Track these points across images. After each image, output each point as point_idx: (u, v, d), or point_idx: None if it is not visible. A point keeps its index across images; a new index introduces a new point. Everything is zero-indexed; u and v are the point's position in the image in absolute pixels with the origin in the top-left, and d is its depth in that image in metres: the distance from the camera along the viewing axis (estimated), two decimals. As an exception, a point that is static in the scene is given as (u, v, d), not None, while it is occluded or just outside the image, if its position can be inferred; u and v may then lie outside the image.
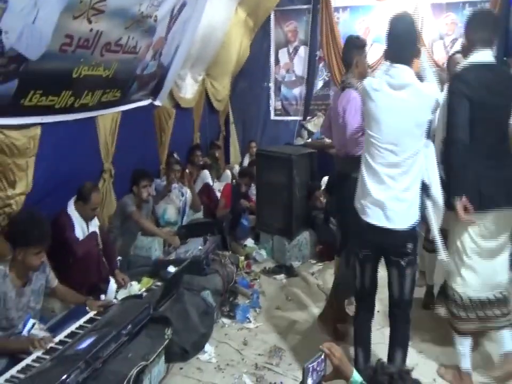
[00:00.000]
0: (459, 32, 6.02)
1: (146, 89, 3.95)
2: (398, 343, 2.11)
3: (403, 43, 1.94)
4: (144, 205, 3.36)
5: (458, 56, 3.04)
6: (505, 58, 5.81)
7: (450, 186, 2.10)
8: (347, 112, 2.54)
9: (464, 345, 2.27)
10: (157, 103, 4.16)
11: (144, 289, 2.77)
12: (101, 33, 2.71)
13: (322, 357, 1.50)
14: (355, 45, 2.68)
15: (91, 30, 2.58)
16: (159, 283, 2.84)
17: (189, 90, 4.86)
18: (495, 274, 2.24)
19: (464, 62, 2.24)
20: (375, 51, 6.23)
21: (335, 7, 6.27)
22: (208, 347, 2.67)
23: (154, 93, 4.14)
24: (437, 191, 2.04)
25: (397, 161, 1.94)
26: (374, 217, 1.99)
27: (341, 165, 2.75)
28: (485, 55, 2.16)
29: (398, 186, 1.95)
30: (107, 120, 3.34)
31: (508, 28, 5.75)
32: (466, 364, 2.29)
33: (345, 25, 6.32)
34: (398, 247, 2.01)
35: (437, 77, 3.50)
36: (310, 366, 1.46)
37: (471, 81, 2.12)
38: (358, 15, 6.28)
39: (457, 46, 5.99)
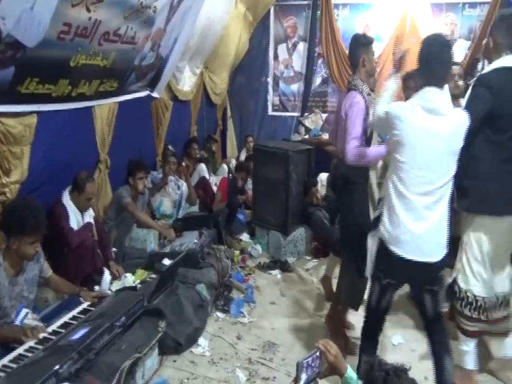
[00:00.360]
0: (458, 32, 6.04)
1: (144, 80, 3.92)
2: (444, 352, 2.03)
3: (436, 66, 1.85)
4: (140, 197, 3.34)
5: (454, 67, 2.82)
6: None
7: (469, 190, 2.09)
8: (348, 118, 2.41)
9: (469, 345, 2.25)
10: (155, 94, 4.13)
11: (138, 281, 2.76)
12: (99, 22, 2.68)
13: (318, 353, 1.50)
14: (361, 42, 2.55)
15: (90, 18, 2.54)
16: (153, 275, 2.83)
17: (186, 83, 4.82)
18: (502, 280, 2.24)
19: (490, 66, 2.19)
20: (375, 49, 6.22)
21: (335, 4, 6.25)
22: (202, 340, 2.67)
23: (152, 85, 4.11)
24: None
25: (431, 189, 1.84)
26: (408, 250, 1.87)
27: (344, 169, 2.62)
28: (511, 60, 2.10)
29: (434, 216, 1.86)
30: (104, 110, 3.30)
31: (506, 29, 5.78)
32: (472, 364, 2.26)
33: (345, 23, 6.31)
34: (433, 277, 1.95)
35: None
36: (304, 362, 1.46)
37: (495, 84, 2.07)
38: (358, 13, 6.27)
39: (457, 48, 6.05)
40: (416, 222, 1.86)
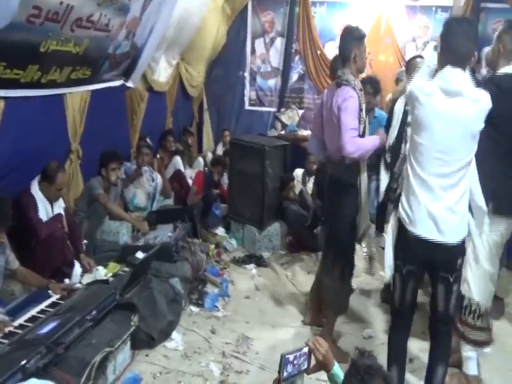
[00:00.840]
0: (431, 35, 6.21)
1: (118, 69, 3.82)
2: (440, 357, 2.00)
3: (458, 46, 1.79)
4: (112, 188, 3.26)
5: (419, 60, 3.01)
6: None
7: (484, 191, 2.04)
8: (342, 111, 2.31)
9: (471, 349, 2.22)
10: (129, 84, 4.03)
11: (110, 274, 2.70)
12: (71, 8, 2.59)
13: (306, 350, 1.50)
14: (354, 36, 2.40)
15: (61, 3, 2.46)
16: (126, 269, 2.78)
17: (162, 74, 4.73)
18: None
19: (500, 71, 2.16)
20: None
21: (312, 1, 6.29)
22: (175, 334, 2.63)
23: (127, 74, 4.01)
24: (480, 198, 2.00)
25: (448, 171, 1.81)
26: (425, 230, 1.84)
27: (334, 170, 2.51)
28: None
29: (450, 197, 1.83)
30: (76, 98, 3.20)
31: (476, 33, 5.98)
32: (473, 369, 2.24)
33: (322, 20, 6.36)
34: (449, 262, 1.89)
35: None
36: (287, 356, 1.45)
37: (504, 84, 2.06)
38: (335, 11, 6.33)
39: (429, 48, 6.21)
40: (432, 201, 1.83)
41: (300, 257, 3.91)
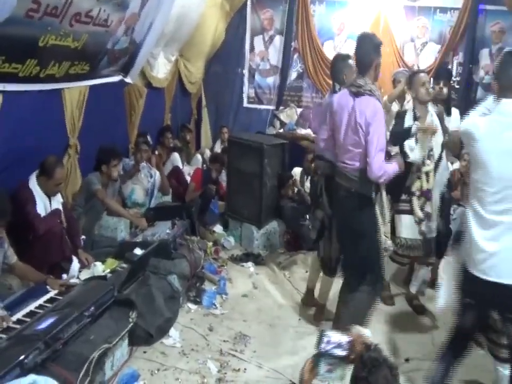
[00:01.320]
0: (429, 36, 6.22)
1: (116, 65, 3.80)
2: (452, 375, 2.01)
3: None
4: (111, 184, 3.25)
5: (423, 75, 2.92)
6: (471, 66, 6.11)
7: None
8: (373, 128, 2.18)
9: (505, 368, 2.05)
10: (128, 80, 4.01)
11: (108, 270, 2.68)
12: (70, 2, 2.59)
13: (348, 339, 1.55)
14: (374, 44, 2.30)
15: (60, -3, 2.43)
16: (124, 265, 2.76)
17: (161, 70, 4.71)
18: None
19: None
20: (348, 47, 6.31)
21: (311, 0, 6.27)
22: (173, 332, 2.63)
23: (125, 70, 3.99)
24: None
25: (508, 207, 1.74)
26: (481, 270, 1.79)
27: (349, 182, 2.37)
28: None
29: (510, 236, 1.75)
30: (74, 93, 3.18)
31: (474, 36, 6.01)
32: None
33: (321, 19, 6.36)
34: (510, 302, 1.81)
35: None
36: (327, 334, 1.56)
37: None
38: (334, 10, 6.33)
39: (427, 51, 6.25)
40: (490, 241, 1.77)
41: (297, 256, 3.90)
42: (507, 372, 2.04)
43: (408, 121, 2.83)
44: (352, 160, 2.35)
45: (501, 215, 1.76)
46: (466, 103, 5.71)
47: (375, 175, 2.23)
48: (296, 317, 3.00)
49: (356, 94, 2.29)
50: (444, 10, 6.15)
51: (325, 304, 2.95)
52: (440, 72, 3.84)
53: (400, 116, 2.95)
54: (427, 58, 6.18)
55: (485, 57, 6.08)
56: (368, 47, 2.30)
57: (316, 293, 3.06)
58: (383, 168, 2.24)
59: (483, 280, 1.78)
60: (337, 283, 2.80)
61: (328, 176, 2.64)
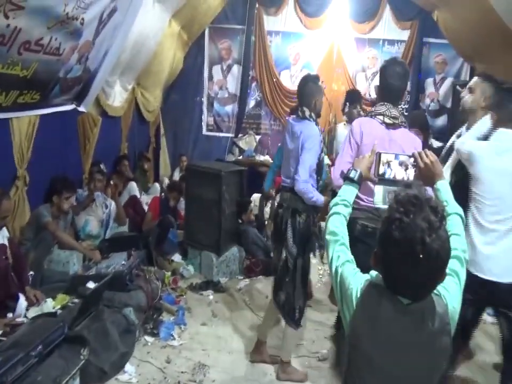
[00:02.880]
0: (379, 66, 6.59)
1: (69, 93, 3.74)
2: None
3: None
4: (62, 216, 3.13)
5: None
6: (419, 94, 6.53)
7: None
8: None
9: None
10: (81, 109, 3.95)
11: (59, 306, 2.56)
12: (19, 30, 2.54)
13: (407, 158, 1.46)
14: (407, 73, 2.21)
15: (8, 25, 2.40)
16: (76, 300, 2.64)
17: (117, 98, 4.69)
18: None
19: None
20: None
21: (268, 31, 6.55)
22: (128, 367, 2.53)
23: (79, 98, 3.93)
24: None
25: (502, 218, 2.02)
26: (479, 270, 2.00)
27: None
28: None
29: (504, 242, 2.01)
30: (23, 123, 3.09)
31: (420, 66, 6.47)
32: None
33: (278, 49, 6.63)
34: (504, 300, 2.04)
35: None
36: (382, 154, 1.48)
37: None
38: (290, 41, 6.62)
39: (378, 80, 6.59)
40: (488, 245, 2.02)
41: (257, 281, 3.90)
42: None
43: None
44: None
45: (496, 224, 2.02)
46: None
47: None
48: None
49: (394, 126, 2.16)
50: (391, 42, 6.60)
51: (289, 362, 2.59)
52: (352, 95, 4.13)
53: None
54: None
55: (430, 86, 6.55)
56: (402, 76, 2.19)
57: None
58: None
59: (482, 279, 2.00)
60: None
61: (294, 210, 2.51)
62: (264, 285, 3.82)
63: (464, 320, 2.04)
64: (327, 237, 1.30)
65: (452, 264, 1.15)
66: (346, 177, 1.46)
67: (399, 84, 2.14)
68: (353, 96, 3.99)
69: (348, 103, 3.76)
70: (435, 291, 1.09)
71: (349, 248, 1.27)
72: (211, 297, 3.58)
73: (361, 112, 3.54)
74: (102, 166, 3.93)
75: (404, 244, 0.99)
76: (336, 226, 1.31)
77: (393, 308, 1.06)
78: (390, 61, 2.23)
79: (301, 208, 2.49)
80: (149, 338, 2.86)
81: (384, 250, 1.05)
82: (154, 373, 2.55)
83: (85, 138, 4.05)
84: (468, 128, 2.33)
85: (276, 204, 2.81)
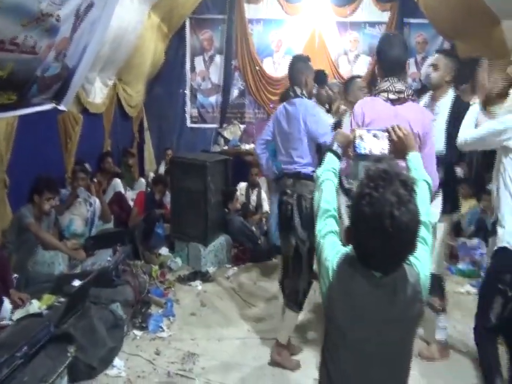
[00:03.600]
0: (361, 48, 6.61)
1: (48, 92, 3.70)
2: None
3: None
4: (45, 216, 3.14)
5: (359, 80, 3.36)
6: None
7: None
8: (430, 135, 2.02)
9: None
10: (62, 107, 3.91)
11: (44, 307, 2.58)
12: (-8, 30, 2.50)
13: (381, 132, 1.49)
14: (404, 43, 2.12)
15: (-21, 26, 2.37)
16: (62, 299, 2.66)
17: (98, 95, 4.65)
18: None
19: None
20: (287, 63, 6.54)
21: (249, 19, 6.50)
22: (117, 361, 2.57)
23: (58, 97, 3.89)
24: None
25: None
26: None
27: None
28: None
29: None
30: (1, 124, 3.07)
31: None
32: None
33: (259, 37, 6.59)
34: None
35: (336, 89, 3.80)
36: (358, 131, 1.49)
37: None
38: (271, 28, 6.58)
39: (360, 62, 6.61)
40: None
41: (245, 269, 3.96)
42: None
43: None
44: None
45: None
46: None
47: (436, 183, 2.24)
48: (244, 329, 3.03)
49: (403, 100, 2.03)
50: (372, 24, 6.58)
51: (289, 343, 2.66)
52: (319, 76, 4.12)
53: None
54: (360, 69, 6.55)
55: (411, 66, 6.56)
56: (406, 51, 2.14)
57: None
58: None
59: None
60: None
61: (299, 196, 2.51)
62: (252, 272, 3.87)
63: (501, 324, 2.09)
64: (322, 204, 1.27)
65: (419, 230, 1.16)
66: (329, 149, 1.50)
67: (398, 54, 2.02)
68: (320, 77, 3.90)
69: (315, 85, 3.72)
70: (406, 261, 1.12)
71: (337, 218, 1.27)
72: (199, 287, 3.62)
73: (330, 92, 3.53)
74: (87, 165, 3.92)
75: (373, 219, 1.00)
76: (331, 193, 1.30)
77: (366, 282, 1.08)
78: (384, 35, 2.24)
79: (306, 192, 2.47)
80: (138, 332, 2.91)
81: (355, 226, 1.07)
82: (143, 366, 2.59)
83: (66, 137, 4.03)
84: (433, 99, 2.51)
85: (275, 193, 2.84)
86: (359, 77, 3.66)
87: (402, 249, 1.04)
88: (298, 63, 2.60)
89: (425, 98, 2.63)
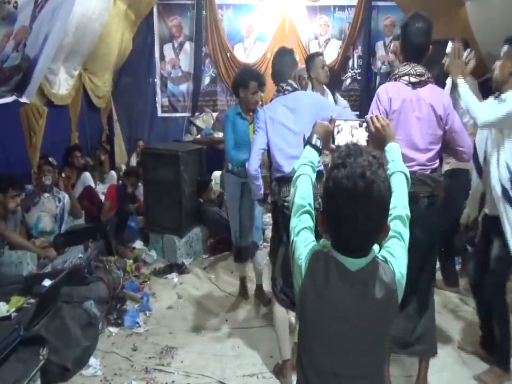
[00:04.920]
0: (331, 33, 6.59)
1: (9, 84, 3.53)
2: None
3: None
4: (11, 215, 3.02)
5: (322, 58, 3.48)
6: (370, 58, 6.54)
7: None
8: (456, 115, 2.05)
9: None
10: (24, 100, 3.74)
11: (13, 309, 2.49)
12: None
13: (359, 123, 1.45)
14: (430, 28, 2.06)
15: None
16: (32, 300, 2.59)
17: (63, 86, 4.47)
18: None
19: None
20: (257, 49, 6.49)
21: (218, 4, 6.36)
22: (92, 360, 2.53)
23: (20, 89, 3.71)
24: None
25: None
26: None
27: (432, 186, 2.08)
28: None
29: None
30: (-43, 121, 2.91)
31: (370, 30, 6.49)
32: None
33: (229, 23, 6.46)
34: None
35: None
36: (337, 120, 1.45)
37: None
38: (241, 13, 6.46)
39: (331, 46, 6.60)
40: None
41: (222, 258, 3.94)
42: None
43: None
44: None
45: None
46: (369, 91, 6.24)
47: (469, 158, 2.23)
48: (223, 319, 3.03)
49: (423, 83, 2.04)
50: (342, 8, 6.57)
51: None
52: None
53: None
54: (331, 53, 6.56)
55: (380, 49, 6.62)
56: (430, 35, 2.07)
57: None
58: None
59: None
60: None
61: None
62: (229, 261, 3.85)
63: None
64: (296, 199, 1.25)
65: (395, 225, 1.16)
66: (308, 143, 1.43)
67: (422, 41, 2.01)
68: None
69: None
70: (381, 257, 1.11)
71: (312, 214, 1.22)
72: (176, 279, 3.59)
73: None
74: (50, 159, 3.77)
75: (345, 181, 1.01)
76: (306, 188, 1.27)
77: (338, 276, 1.07)
78: (411, 16, 2.06)
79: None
80: (113, 329, 2.86)
81: (328, 198, 1.06)
82: (120, 363, 2.56)
83: (30, 130, 3.86)
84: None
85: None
86: (321, 54, 3.71)
87: (375, 218, 1.03)
88: (286, 56, 2.47)
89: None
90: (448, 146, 2.11)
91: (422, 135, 2.03)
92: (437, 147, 2.07)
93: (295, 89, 2.39)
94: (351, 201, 1.01)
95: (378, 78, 6.61)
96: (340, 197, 1.03)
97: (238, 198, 3.02)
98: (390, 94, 2.01)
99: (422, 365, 2.21)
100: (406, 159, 1.89)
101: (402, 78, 2.02)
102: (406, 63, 2.05)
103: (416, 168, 2.02)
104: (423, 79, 2.01)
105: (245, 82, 2.89)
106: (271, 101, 2.59)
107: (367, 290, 1.07)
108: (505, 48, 2.23)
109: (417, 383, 2.23)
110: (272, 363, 2.55)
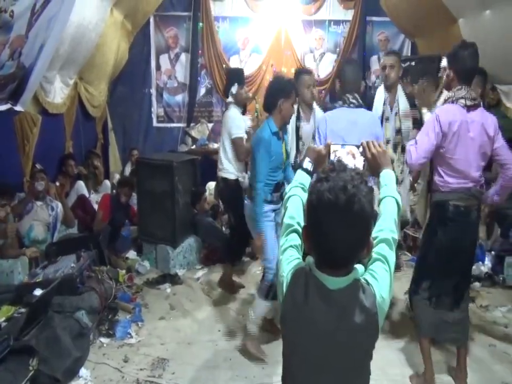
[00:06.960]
0: (326, 46, 6.69)
1: (3, 92, 3.53)
2: None
3: None
4: (1, 223, 2.99)
5: (307, 77, 3.23)
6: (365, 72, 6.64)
7: None
8: (499, 133, 2.23)
9: None
10: (18, 108, 3.73)
11: (3, 319, 2.46)
12: None
13: (355, 149, 1.46)
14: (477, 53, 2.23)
15: None
16: (23, 310, 2.56)
17: (58, 95, 4.47)
18: None
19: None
20: (253, 61, 6.56)
21: (215, 17, 6.43)
22: (83, 371, 2.49)
23: (15, 97, 3.72)
24: None
25: None
26: None
27: (478, 199, 2.30)
28: None
29: None
30: (-48, 128, 2.90)
31: (364, 44, 6.60)
32: None
33: (226, 35, 6.53)
34: None
35: None
36: (333, 146, 1.47)
37: None
38: (237, 26, 6.54)
39: (326, 60, 6.69)
40: None
41: (215, 269, 3.92)
42: None
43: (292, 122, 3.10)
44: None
45: None
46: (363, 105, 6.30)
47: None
48: (215, 330, 3.01)
49: (473, 107, 2.22)
50: (337, 22, 6.67)
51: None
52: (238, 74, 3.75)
53: None
54: (326, 67, 6.65)
55: (374, 63, 6.71)
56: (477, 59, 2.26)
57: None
58: None
59: None
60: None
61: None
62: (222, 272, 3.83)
63: None
64: (285, 220, 1.27)
65: (380, 248, 1.16)
66: (300, 166, 1.47)
67: (473, 65, 2.22)
68: (239, 76, 3.54)
69: (236, 84, 3.39)
70: (363, 280, 1.09)
71: (300, 233, 1.23)
72: (168, 290, 3.56)
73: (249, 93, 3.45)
74: (37, 166, 3.73)
75: (327, 194, 1.01)
76: (296, 208, 1.29)
77: (317, 294, 1.06)
78: (460, 45, 2.27)
79: None
80: (104, 340, 2.83)
81: (311, 211, 1.07)
82: (111, 374, 2.53)
83: (24, 139, 3.85)
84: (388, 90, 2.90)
85: None
86: (308, 72, 3.41)
87: (356, 230, 1.03)
88: (356, 67, 2.89)
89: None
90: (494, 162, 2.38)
91: (475, 154, 2.23)
92: (484, 164, 2.30)
93: (360, 105, 2.63)
94: (332, 213, 1.02)
95: (372, 91, 6.71)
96: (321, 209, 1.03)
97: (274, 227, 2.64)
98: (450, 117, 2.19)
99: (460, 352, 2.40)
100: (463, 176, 2.26)
101: (459, 100, 2.20)
102: (460, 87, 2.22)
103: (471, 184, 2.25)
104: (477, 102, 2.21)
105: (289, 91, 2.57)
106: (325, 110, 2.93)
107: (345, 313, 1.06)
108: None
109: (457, 367, 2.41)
110: (265, 375, 2.53)
